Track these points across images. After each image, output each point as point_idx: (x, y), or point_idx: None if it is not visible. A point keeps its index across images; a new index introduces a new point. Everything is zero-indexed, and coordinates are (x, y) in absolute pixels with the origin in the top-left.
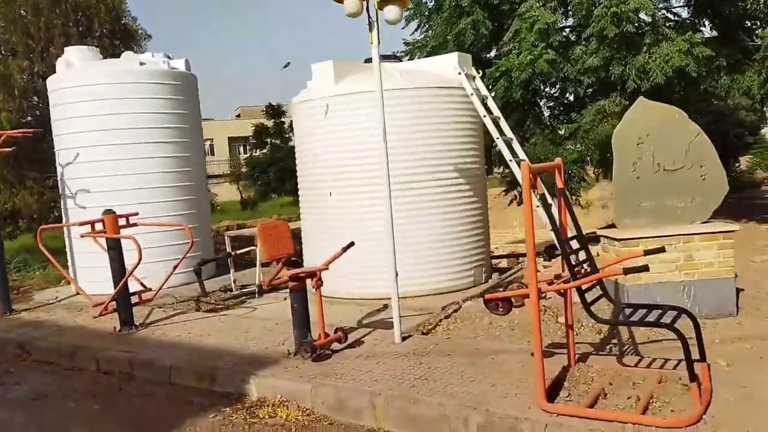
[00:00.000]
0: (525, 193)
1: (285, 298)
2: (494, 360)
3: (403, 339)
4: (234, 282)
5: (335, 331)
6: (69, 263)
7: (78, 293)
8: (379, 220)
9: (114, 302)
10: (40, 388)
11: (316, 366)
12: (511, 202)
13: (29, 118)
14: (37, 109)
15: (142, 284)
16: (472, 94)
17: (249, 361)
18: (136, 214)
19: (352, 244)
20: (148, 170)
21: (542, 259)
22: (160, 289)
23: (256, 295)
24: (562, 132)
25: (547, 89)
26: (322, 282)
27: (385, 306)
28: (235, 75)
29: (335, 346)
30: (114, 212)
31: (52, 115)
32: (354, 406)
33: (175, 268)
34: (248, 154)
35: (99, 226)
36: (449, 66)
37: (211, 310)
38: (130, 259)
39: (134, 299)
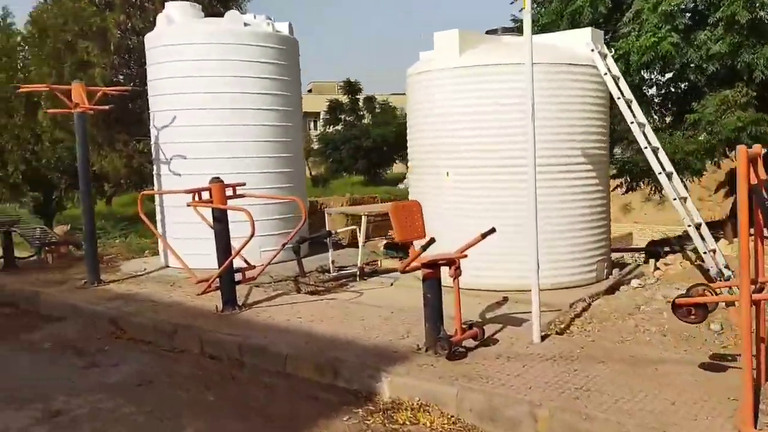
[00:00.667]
0: (740, 183)
1: (391, 284)
2: (658, 371)
3: (542, 339)
4: (332, 263)
5: (470, 327)
6: (160, 233)
7: (184, 269)
8: (503, 205)
9: (217, 279)
10: (142, 371)
11: (453, 365)
12: (627, 191)
13: (120, 77)
14: (129, 67)
15: (245, 261)
16: (606, 74)
17: (374, 355)
18: (244, 184)
19: (493, 230)
20: (248, 138)
21: (648, 255)
22: (266, 266)
23: (357, 279)
24: (688, 121)
25: (657, 76)
26: (460, 271)
27: (505, 299)
28: (306, 50)
29: (468, 343)
30: (222, 180)
31: (149, 74)
32: (510, 417)
33: (284, 245)
34: (319, 131)
35: (205, 196)
36: (581, 42)
37: (311, 292)
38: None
39: (237, 277)
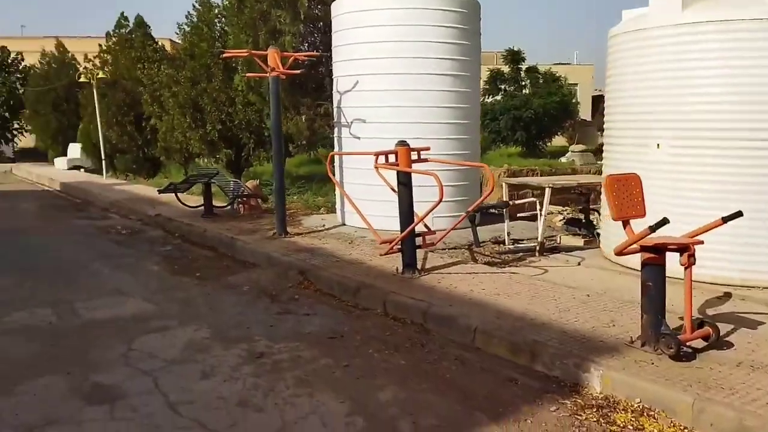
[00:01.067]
0: None
1: (578, 263)
2: None
3: None
4: (508, 235)
5: (699, 324)
6: (337, 193)
7: (368, 228)
8: (735, 185)
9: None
10: (332, 324)
11: (680, 368)
12: None
13: (305, 45)
14: (313, 35)
15: (426, 225)
16: None
17: (577, 342)
18: (428, 148)
19: (739, 214)
20: (427, 104)
21: None
22: (447, 233)
23: (537, 254)
24: None
25: None
26: (695, 259)
27: (727, 294)
28: None
29: (696, 343)
30: (408, 144)
31: (334, 40)
32: None
33: (468, 213)
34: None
35: (389, 159)
36: None
37: (488, 263)
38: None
39: (417, 241)
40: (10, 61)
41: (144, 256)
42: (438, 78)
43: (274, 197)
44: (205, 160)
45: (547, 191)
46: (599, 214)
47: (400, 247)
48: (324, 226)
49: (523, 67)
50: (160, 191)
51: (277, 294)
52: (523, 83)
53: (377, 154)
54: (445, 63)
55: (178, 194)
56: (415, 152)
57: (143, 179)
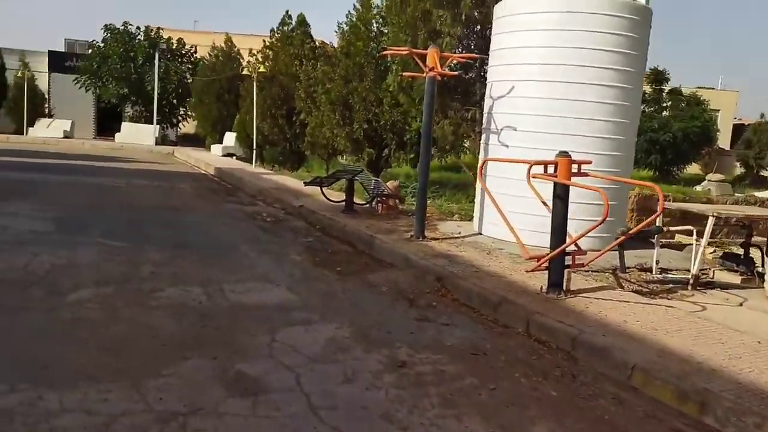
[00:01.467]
0: None
1: (741, 304)
2: None
3: None
4: (656, 263)
5: None
6: (477, 201)
7: (517, 243)
8: None
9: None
10: (474, 339)
11: None
12: None
13: (459, 48)
14: (469, 38)
15: (576, 245)
16: None
17: (755, 396)
18: (590, 162)
19: None
20: (584, 115)
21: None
22: (601, 255)
23: (690, 288)
24: None
25: None
26: None
27: None
28: None
29: None
30: (569, 155)
31: (493, 43)
32: None
33: (627, 235)
34: None
35: (550, 170)
36: None
37: (636, 292)
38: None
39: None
40: (183, 52)
41: (287, 244)
42: (599, 89)
43: (416, 199)
44: (347, 158)
45: (710, 220)
46: (762, 250)
47: (547, 264)
48: (460, 233)
49: (666, 88)
50: (306, 183)
51: (415, 298)
52: (664, 104)
53: (534, 163)
54: (608, 73)
55: (323, 188)
56: (576, 165)
57: (287, 171)
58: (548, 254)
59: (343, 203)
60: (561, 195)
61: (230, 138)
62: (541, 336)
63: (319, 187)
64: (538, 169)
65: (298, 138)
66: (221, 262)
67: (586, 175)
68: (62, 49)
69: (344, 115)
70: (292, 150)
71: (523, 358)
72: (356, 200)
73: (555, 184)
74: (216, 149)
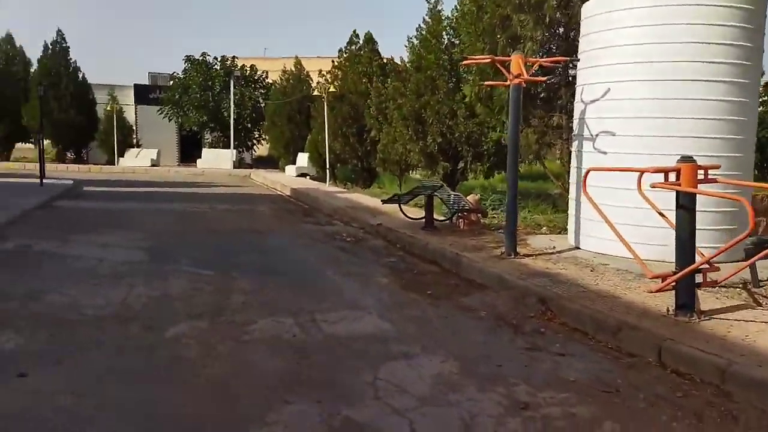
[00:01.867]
0: None
1: None
2: None
3: None
4: None
5: None
6: (571, 212)
7: (636, 260)
8: None
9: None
10: (599, 372)
11: None
12: None
13: (541, 53)
14: (552, 42)
15: (708, 262)
16: None
17: None
18: (718, 167)
19: None
20: (696, 116)
21: None
22: (741, 270)
23: None
24: None
25: None
26: None
27: None
28: None
29: None
30: (694, 160)
31: (582, 45)
32: None
33: None
34: None
35: (671, 177)
36: None
37: None
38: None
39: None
40: (256, 77)
41: (370, 265)
42: (711, 85)
43: (506, 212)
44: (420, 173)
45: None
46: None
47: (674, 284)
48: (554, 248)
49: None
50: (384, 201)
51: (519, 324)
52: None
53: (652, 171)
54: (721, 68)
55: (401, 205)
56: (702, 171)
57: (360, 188)
58: (676, 271)
59: (422, 220)
60: (686, 205)
61: (303, 158)
62: (679, 367)
63: (397, 205)
64: (652, 177)
65: (369, 155)
66: (308, 289)
67: (714, 181)
68: (146, 82)
69: (417, 129)
70: (363, 167)
71: (665, 395)
72: (435, 216)
73: (678, 193)
74: (290, 170)
